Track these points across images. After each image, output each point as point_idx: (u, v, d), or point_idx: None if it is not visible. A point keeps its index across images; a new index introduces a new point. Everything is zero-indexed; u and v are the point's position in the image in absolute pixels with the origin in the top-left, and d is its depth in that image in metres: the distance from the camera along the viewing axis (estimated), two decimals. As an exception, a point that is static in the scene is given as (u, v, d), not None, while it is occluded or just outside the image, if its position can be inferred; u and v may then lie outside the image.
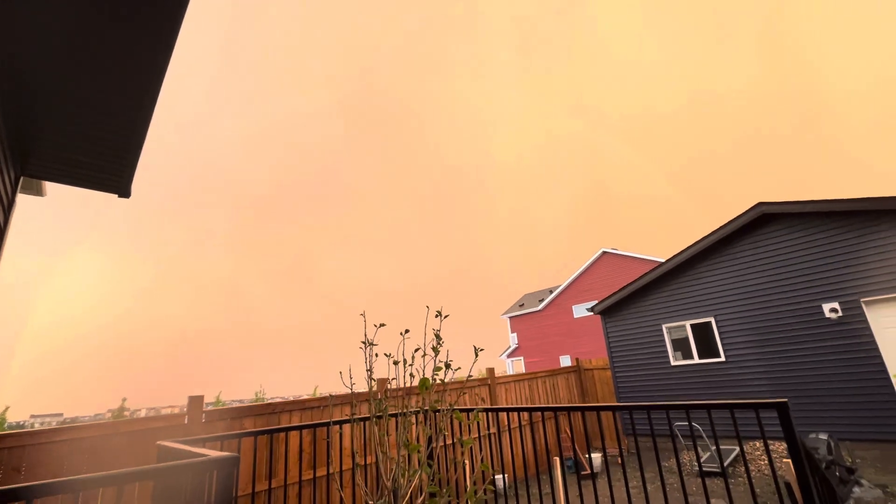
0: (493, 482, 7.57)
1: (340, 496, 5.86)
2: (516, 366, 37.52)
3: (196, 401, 5.50)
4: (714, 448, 8.02)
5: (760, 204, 8.96)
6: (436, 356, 2.82)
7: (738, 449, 8.16)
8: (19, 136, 3.20)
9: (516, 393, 9.72)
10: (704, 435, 8.36)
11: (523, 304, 39.19)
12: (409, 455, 2.97)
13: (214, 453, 2.26)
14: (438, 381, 3.01)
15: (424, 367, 2.86)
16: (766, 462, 7.94)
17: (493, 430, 8.27)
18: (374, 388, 3.45)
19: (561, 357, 33.06)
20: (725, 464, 7.95)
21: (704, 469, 8.05)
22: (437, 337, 2.77)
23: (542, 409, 3.89)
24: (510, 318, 38.90)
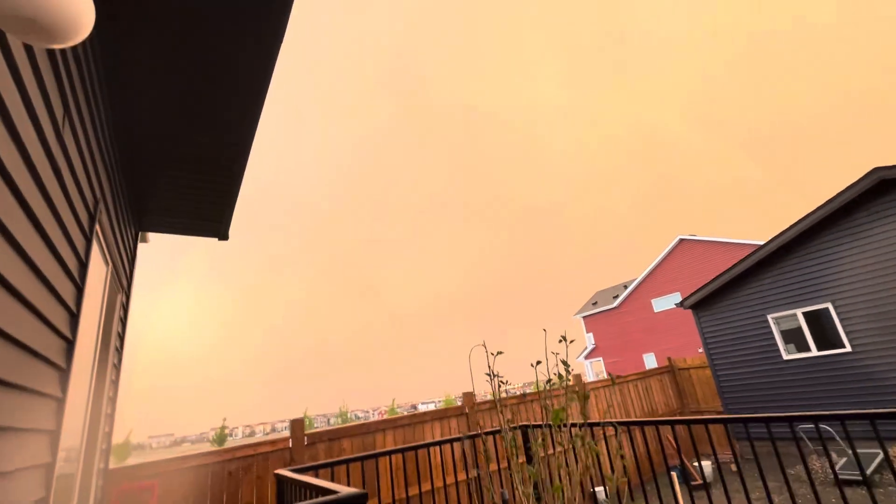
0: (594, 495, 7.16)
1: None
2: (595, 367, 35.92)
3: (298, 424, 5.76)
4: (851, 452, 7.01)
5: (877, 169, 7.79)
6: (562, 383, 2.69)
7: (881, 453, 7.06)
8: (137, 197, 3.55)
9: (608, 399, 9.21)
10: (837, 436, 7.34)
11: (596, 303, 37.54)
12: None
13: (339, 487, 2.28)
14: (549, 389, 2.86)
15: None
16: (922, 467, 6.77)
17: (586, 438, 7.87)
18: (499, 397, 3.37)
19: (644, 355, 31.13)
20: (869, 471, 6.91)
21: (841, 477, 7.05)
22: (565, 364, 2.63)
23: (656, 423, 3.59)
24: (584, 317, 37.40)
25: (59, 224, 1.66)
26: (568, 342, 2.70)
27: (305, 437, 5.68)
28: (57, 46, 0.96)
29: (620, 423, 3.42)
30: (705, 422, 3.42)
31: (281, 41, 2.21)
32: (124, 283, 3.44)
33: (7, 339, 1.25)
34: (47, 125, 1.44)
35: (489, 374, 3.04)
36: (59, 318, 1.74)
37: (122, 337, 3.56)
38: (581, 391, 8.90)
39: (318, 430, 6.14)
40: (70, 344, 1.92)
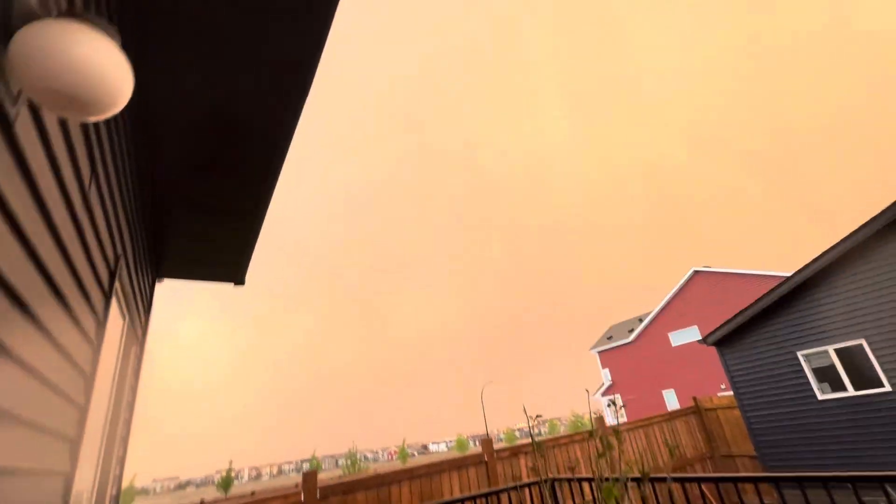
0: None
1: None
2: (613, 404, 34.59)
3: (310, 476, 5.50)
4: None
5: (900, 201, 7.61)
6: (604, 455, 2.50)
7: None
8: (155, 246, 3.52)
9: (632, 443, 8.74)
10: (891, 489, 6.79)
11: (612, 337, 36.67)
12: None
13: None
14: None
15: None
16: None
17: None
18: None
19: (664, 391, 30.00)
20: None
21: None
22: (616, 431, 2.45)
23: (703, 480, 3.32)
24: (599, 352, 36.44)
25: (79, 286, 1.58)
26: (618, 407, 2.53)
27: (318, 491, 5.40)
28: (92, 119, 0.91)
29: (678, 479, 3.14)
30: (755, 480, 3.15)
31: (304, 103, 2.21)
32: (139, 333, 3.36)
33: (19, 422, 1.15)
34: (73, 188, 1.39)
35: (533, 452, 2.84)
36: (73, 385, 1.64)
37: (134, 390, 3.43)
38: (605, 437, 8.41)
39: (331, 481, 5.85)
40: (83, 410, 1.80)
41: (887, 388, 7.72)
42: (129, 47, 1.93)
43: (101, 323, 1.99)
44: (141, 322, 3.47)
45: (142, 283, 3.19)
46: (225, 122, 2.42)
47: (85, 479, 2.00)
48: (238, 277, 4.14)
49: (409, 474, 6.21)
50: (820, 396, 8.50)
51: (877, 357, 7.87)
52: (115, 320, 2.46)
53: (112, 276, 2.08)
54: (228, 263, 3.85)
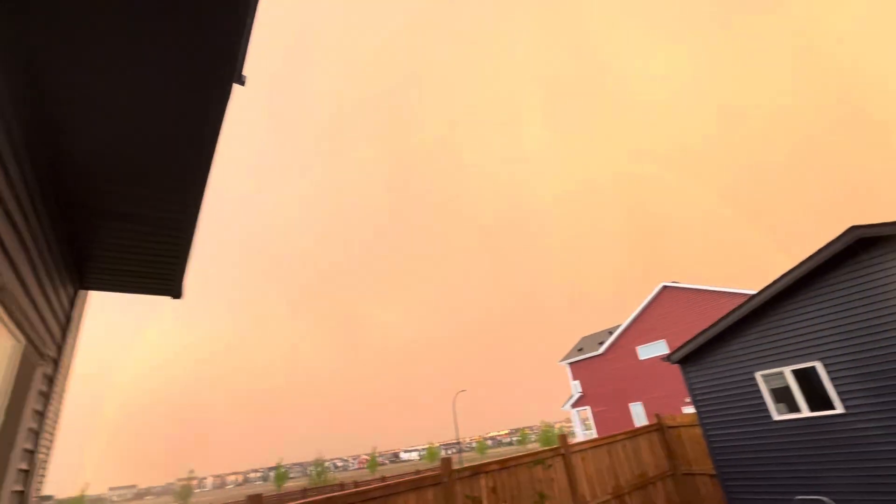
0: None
1: None
2: (582, 415, 34.89)
3: (255, 499, 5.21)
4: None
5: (855, 228, 7.85)
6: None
7: (884, 527, 6.62)
8: (75, 255, 3.22)
9: (595, 462, 8.68)
10: (836, 509, 6.90)
11: (582, 349, 37.01)
12: None
13: None
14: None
15: None
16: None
17: (574, 510, 7.27)
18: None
19: (631, 405, 30.37)
20: (873, 548, 6.45)
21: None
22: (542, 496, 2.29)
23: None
24: (570, 364, 36.71)
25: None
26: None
27: (262, 516, 5.09)
28: None
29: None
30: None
31: (225, 108, 2.01)
32: (51, 352, 3.03)
33: None
34: None
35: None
36: None
37: (42, 413, 3.10)
38: (566, 455, 8.22)
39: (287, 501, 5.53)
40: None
41: (840, 410, 7.89)
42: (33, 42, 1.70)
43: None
44: (55, 339, 3.15)
45: (52, 297, 2.88)
46: (141, 128, 2.19)
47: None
48: (174, 290, 3.85)
49: (363, 496, 5.93)
50: (776, 417, 8.64)
51: (830, 379, 8.05)
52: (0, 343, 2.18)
53: (-15, 297, 1.82)
54: (161, 276, 3.57)
